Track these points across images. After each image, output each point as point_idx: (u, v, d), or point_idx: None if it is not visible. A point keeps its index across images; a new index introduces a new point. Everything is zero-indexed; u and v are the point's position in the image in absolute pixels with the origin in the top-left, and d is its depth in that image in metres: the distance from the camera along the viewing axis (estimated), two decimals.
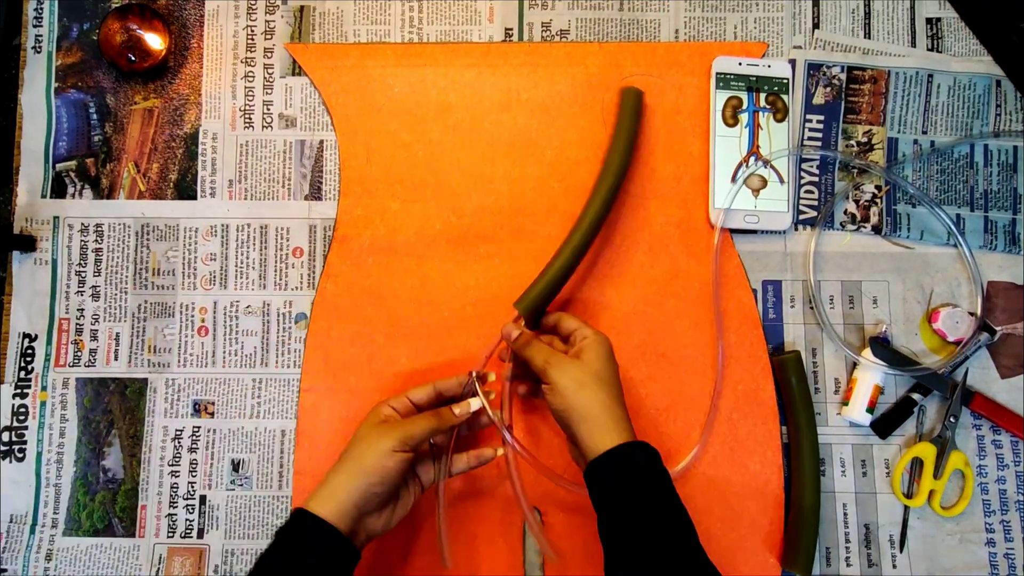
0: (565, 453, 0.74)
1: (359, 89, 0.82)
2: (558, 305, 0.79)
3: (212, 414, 0.80)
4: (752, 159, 0.79)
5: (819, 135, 0.81)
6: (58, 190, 0.82)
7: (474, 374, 0.72)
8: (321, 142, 0.82)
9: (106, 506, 0.79)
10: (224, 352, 0.81)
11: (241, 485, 0.80)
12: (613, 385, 0.66)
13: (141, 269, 0.82)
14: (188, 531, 0.79)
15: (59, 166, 0.83)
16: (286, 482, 0.79)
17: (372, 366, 0.79)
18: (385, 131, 0.81)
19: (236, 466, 0.80)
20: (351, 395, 0.79)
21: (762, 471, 0.78)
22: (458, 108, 0.81)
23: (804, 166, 0.81)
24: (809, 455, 0.77)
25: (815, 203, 0.81)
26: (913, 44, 0.83)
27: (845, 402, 0.78)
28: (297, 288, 0.81)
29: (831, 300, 0.80)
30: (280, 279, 0.81)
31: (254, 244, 0.82)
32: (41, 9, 0.84)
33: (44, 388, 0.80)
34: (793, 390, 0.77)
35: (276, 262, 0.82)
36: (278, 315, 0.81)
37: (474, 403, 0.71)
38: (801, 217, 0.81)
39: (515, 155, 0.81)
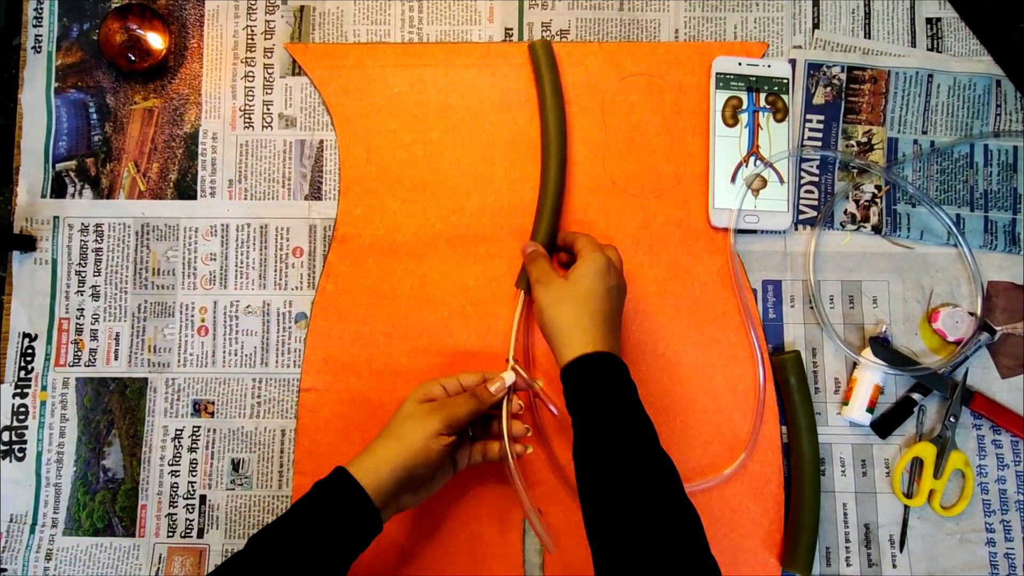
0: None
1: (359, 89, 0.82)
2: None
3: (212, 414, 0.80)
4: (752, 159, 0.79)
5: (819, 135, 0.81)
6: (58, 190, 0.82)
7: (511, 357, 0.74)
8: (321, 142, 0.82)
9: (106, 506, 0.79)
10: (224, 352, 0.81)
11: (241, 485, 0.80)
12: (592, 299, 0.68)
13: (141, 269, 0.82)
14: (188, 531, 0.79)
15: (59, 166, 0.83)
16: (286, 482, 0.79)
17: (372, 366, 0.79)
18: (385, 131, 0.81)
19: (236, 466, 0.80)
20: (351, 395, 0.79)
21: (762, 471, 0.78)
22: (458, 108, 0.81)
23: (804, 166, 0.81)
24: (809, 455, 0.77)
25: (815, 203, 0.81)
26: (913, 44, 0.83)
27: (845, 402, 0.78)
28: (297, 288, 0.81)
29: (831, 300, 0.80)
30: (280, 279, 0.81)
31: (254, 244, 0.82)
32: (41, 9, 0.84)
33: (44, 388, 0.80)
34: (793, 390, 0.77)
35: (276, 262, 0.82)
36: (278, 315, 0.81)
37: (508, 377, 0.72)
38: (801, 217, 0.81)
39: (515, 155, 0.81)
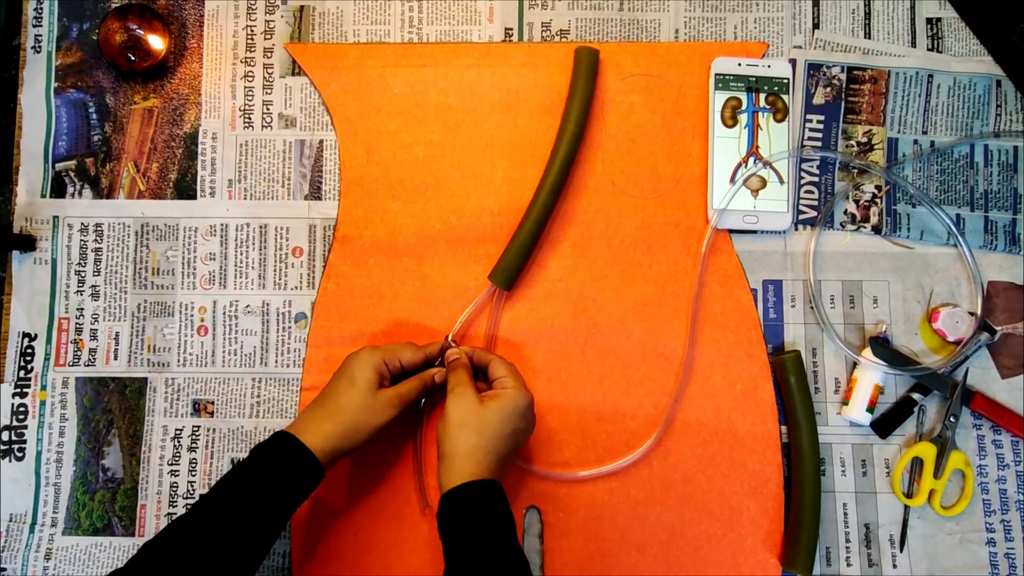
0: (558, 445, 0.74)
1: (359, 89, 0.82)
2: (552, 298, 0.79)
3: (212, 413, 0.80)
4: (751, 160, 0.79)
5: (819, 135, 0.81)
6: (57, 190, 0.82)
7: (450, 337, 0.76)
8: (321, 142, 0.82)
9: (105, 505, 0.79)
10: (224, 352, 0.81)
11: None
12: (497, 437, 0.67)
13: (140, 269, 0.82)
14: None
15: (59, 166, 0.83)
16: None
17: None
18: (385, 131, 0.81)
19: None
20: None
21: (761, 470, 0.78)
22: (458, 109, 0.81)
23: (804, 166, 0.81)
24: (809, 454, 0.77)
25: (815, 203, 0.81)
26: (913, 44, 0.83)
27: (845, 402, 0.78)
28: (297, 288, 0.81)
29: (831, 300, 0.80)
30: (280, 279, 0.81)
31: (253, 244, 0.82)
32: (41, 9, 0.84)
33: (44, 387, 0.80)
34: (793, 389, 0.77)
35: (276, 262, 0.82)
36: (277, 315, 0.81)
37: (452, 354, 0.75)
38: (801, 217, 0.81)
39: (515, 156, 0.81)
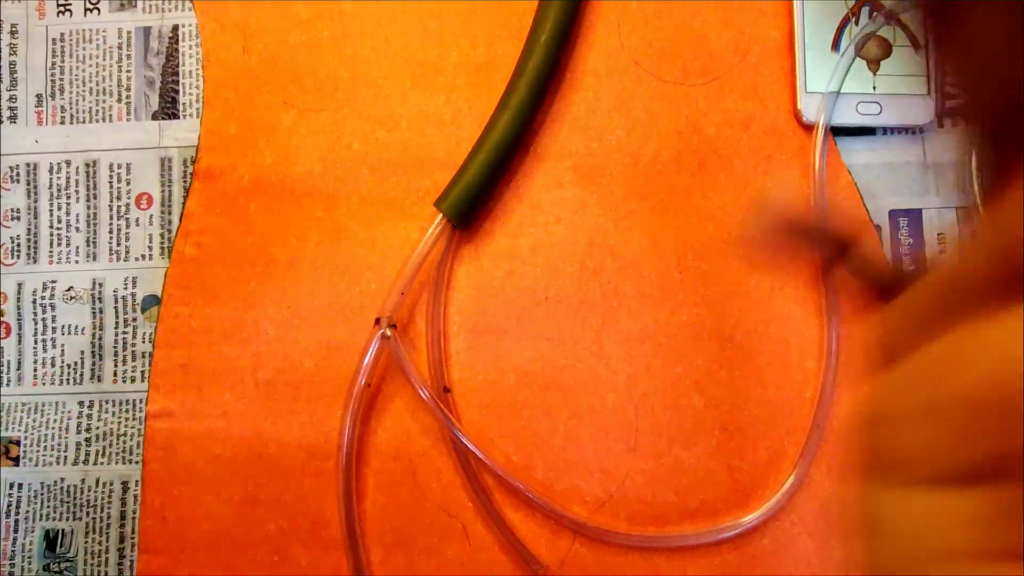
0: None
1: None
2: (545, 252, 0.49)
3: (16, 460, 0.51)
4: (865, 10, 0.48)
5: None
6: None
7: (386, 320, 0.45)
8: (175, 28, 0.53)
9: None
10: (35, 362, 0.51)
11: (60, 573, 0.50)
12: None
13: None
14: None
15: None
16: (128, 565, 0.49)
17: (259, 373, 0.49)
18: (269, 4, 0.51)
19: (52, 541, 0.50)
20: (228, 422, 0.49)
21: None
22: None
23: None
24: None
25: None
26: None
27: None
28: (144, 257, 0.51)
29: None
30: (118, 244, 0.52)
31: (77, 192, 0.52)
32: None
33: None
34: None
35: (112, 218, 0.52)
36: (116, 300, 0.51)
37: None
38: (950, 104, 0.49)
39: (477, 28, 0.50)
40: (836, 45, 0.48)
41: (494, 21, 0.51)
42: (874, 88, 0.48)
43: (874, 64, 0.48)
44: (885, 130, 0.49)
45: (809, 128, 0.48)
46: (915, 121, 0.48)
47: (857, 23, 0.48)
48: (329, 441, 0.49)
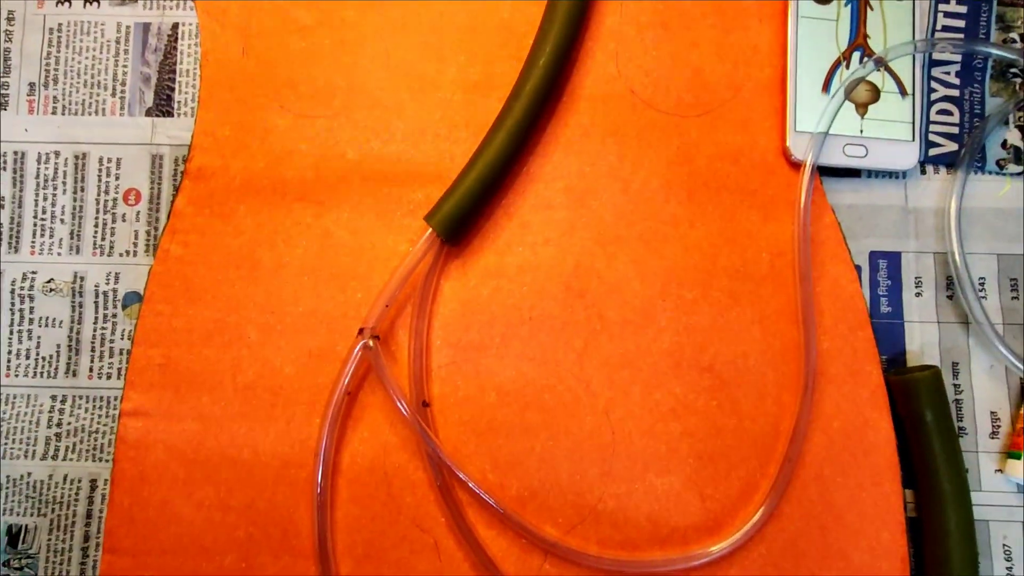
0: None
1: None
2: (531, 272, 0.49)
3: None
4: (856, 55, 0.50)
5: (960, 23, 0.51)
6: None
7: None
8: (175, 27, 0.53)
9: None
10: (9, 353, 0.51)
11: (20, 569, 0.49)
12: None
13: None
14: None
15: None
16: (91, 565, 0.49)
17: (239, 378, 0.49)
18: (272, 7, 0.52)
19: (15, 537, 0.49)
20: (204, 425, 0.49)
21: (873, 563, 0.47)
22: None
23: (937, 71, 0.51)
24: (958, 539, 0.45)
25: (954, 130, 0.51)
26: None
27: (1013, 453, 0.47)
28: (129, 253, 0.51)
29: (981, 284, 0.50)
30: (103, 239, 0.51)
31: (64, 184, 0.52)
32: None
33: None
34: (929, 431, 0.46)
35: (98, 212, 0.52)
36: (97, 295, 0.51)
37: None
38: (933, 152, 0.50)
39: (477, 46, 0.51)
40: (827, 87, 0.49)
41: (493, 40, 0.51)
42: (861, 131, 0.49)
43: (862, 108, 0.49)
44: (870, 173, 0.51)
45: (797, 166, 0.49)
46: (899, 166, 0.49)
47: (848, 67, 0.50)
48: (305, 450, 0.48)
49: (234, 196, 0.50)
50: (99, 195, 0.52)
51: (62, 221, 0.52)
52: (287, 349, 0.49)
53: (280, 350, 0.49)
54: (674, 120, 0.50)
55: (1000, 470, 0.48)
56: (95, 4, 0.53)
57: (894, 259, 0.50)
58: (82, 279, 0.51)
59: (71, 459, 0.50)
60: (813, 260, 0.49)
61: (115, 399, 0.50)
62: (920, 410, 0.46)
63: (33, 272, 0.51)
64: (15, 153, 0.52)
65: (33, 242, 0.52)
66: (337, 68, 0.51)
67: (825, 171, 0.50)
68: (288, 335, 0.49)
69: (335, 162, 0.50)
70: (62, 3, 0.53)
